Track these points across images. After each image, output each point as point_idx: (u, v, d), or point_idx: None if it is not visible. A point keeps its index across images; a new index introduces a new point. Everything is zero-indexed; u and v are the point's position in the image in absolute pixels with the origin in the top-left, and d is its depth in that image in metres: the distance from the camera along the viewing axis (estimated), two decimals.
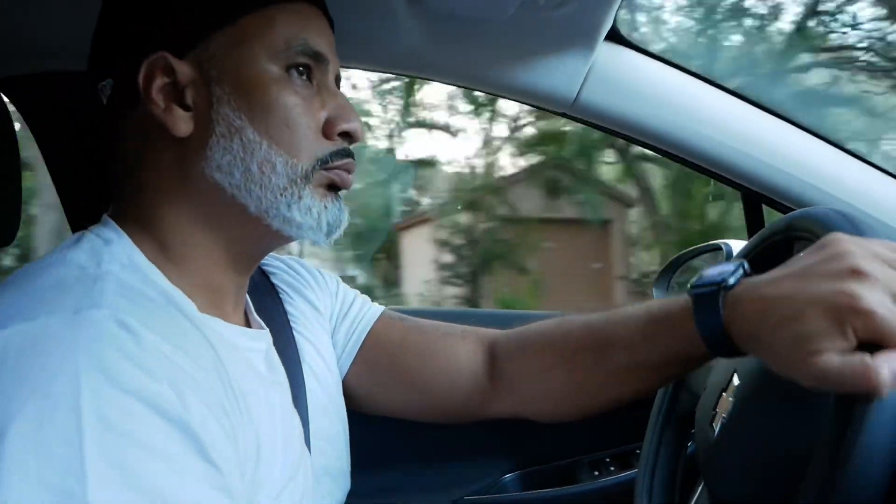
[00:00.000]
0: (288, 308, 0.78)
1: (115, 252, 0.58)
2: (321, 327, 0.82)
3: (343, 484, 0.79)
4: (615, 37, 1.01)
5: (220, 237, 0.64)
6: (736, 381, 0.68)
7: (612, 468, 1.24)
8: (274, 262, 0.84)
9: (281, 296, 0.79)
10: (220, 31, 0.61)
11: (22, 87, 1.11)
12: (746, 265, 0.60)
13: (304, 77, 0.64)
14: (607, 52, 1.00)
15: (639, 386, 0.73)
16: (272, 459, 0.62)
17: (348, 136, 0.66)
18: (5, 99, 0.94)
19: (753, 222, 1.15)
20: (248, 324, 0.73)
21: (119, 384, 0.47)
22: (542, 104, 1.07)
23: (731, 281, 0.58)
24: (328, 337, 0.83)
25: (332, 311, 0.85)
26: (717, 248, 1.22)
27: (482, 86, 1.07)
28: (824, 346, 0.49)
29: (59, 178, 1.21)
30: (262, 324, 0.73)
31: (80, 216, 1.22)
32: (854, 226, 0.58)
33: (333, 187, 0.66)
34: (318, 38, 0.65)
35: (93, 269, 0.55)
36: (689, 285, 0.62)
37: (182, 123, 0.61)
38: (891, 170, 1.02)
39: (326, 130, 0.65)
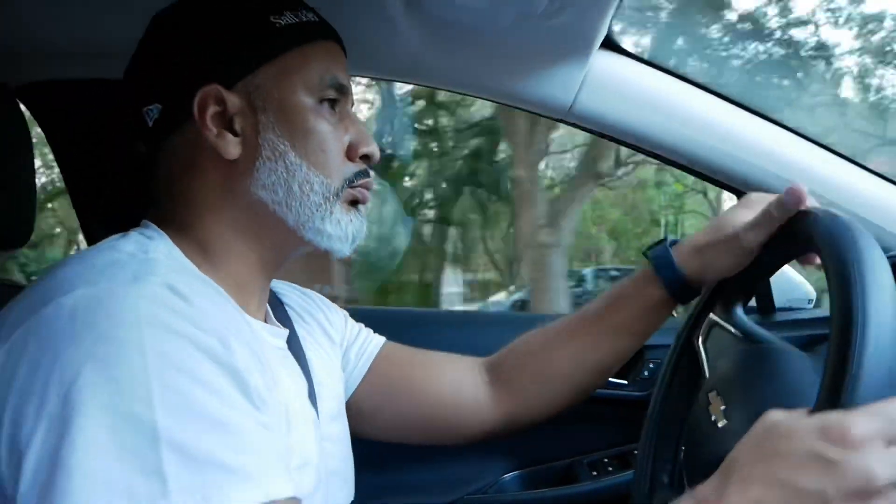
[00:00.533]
0: (298, 329, 0.83)
1: (159, 245, 0.65)
2: (332, 350, 0.87)
3: (348, 491, 0.83)
4: (610, 44, 1.04)
5: (256, 244, 0.71)
6: (715, 393, 0.72)
7: (611, 469, 1.25)
8: (283, 286, 0.89)
9: (290, 315, 0.84)
10: (265, 66, 0.69)
11: (37, 94, 1.15)
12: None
13: (331, 107, 0.71)
14: (602, 60, 1.03)
15: (619, 345, 0.89)
16: (296, 432, 0.68)
17: (367, 158, 0.74)
18: (22, 106, 0.98)
19: None
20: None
21: (175, 331, 0.54)
22: (540, 110, 1.10)
23: (672, 238, 0.85)
24: (338, 360, 0.88)
25: (343, 338, 0.91)
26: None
27: (480, 92, 1.10)
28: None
29: (73, 182, 1.25)
30: (280, 325, 0.79)
31: (93, 219, 1.26)
32: (844, 227, 0.61)
33: (356, 203, 0.73)
34: (342, 73, 0.73)
35: (142, 256, 0.62)
36: (642, 252, 0.86)
37: (232, 148, 0.68)
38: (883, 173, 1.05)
39: (350, 153, 0.73)
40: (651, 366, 1.26)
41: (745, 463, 0.52)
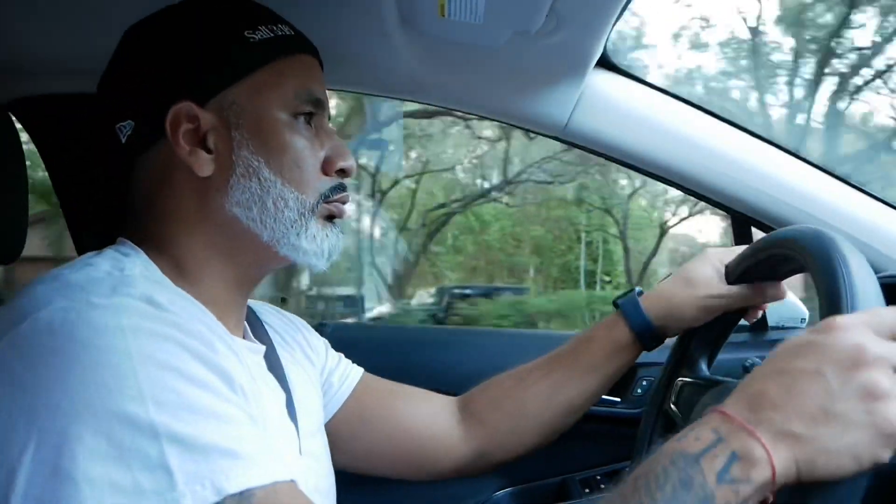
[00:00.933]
0: (277, 347, 0.82)
1: (135, 262, 0.64)
2: (311, 371, 0.87)
3: None
4: (606, 63, 1.04)
5: (231, 261, 0.70)
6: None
7: (603, 486, 1.25)
8: (265, 307, 0.89)
9: (270, 333, 0.84)
10: (239, 82, 0.67)
11: (30, 109, 1.15)
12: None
13: (306, 121, 0.71)
14: (598, 78, 1.03)
15: (588, 384, 0.91)
16: (276, 446, 0.66)
17: (343, 172, 0.73)
18: (14, 120, 0.97)
19: (743, 244, 1.17)
20: None
21: (160, 336, 0.54)
22: (535, 128, 1.10)
23: (639, 289, 0.90)
24: (318, 381, 0.88)
25: (324, 365, 0.91)
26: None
27: (476, 110, 1.10)
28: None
29: (64, 196, 1.24)
30: (258, 342, 0.78)
31: (85, 233, 1.25)
32: (823, 242, 0.61)
33: (331, 217, 0.72)
34: (318, 87, 0.72)
35: (118, 273, 0.61)
36: (612, 302, 0.91)
37: (205, 165, 0.67)
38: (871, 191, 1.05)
39: (326, 168, 0.71)
40: (644, 383, 1.26)
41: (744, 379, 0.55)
